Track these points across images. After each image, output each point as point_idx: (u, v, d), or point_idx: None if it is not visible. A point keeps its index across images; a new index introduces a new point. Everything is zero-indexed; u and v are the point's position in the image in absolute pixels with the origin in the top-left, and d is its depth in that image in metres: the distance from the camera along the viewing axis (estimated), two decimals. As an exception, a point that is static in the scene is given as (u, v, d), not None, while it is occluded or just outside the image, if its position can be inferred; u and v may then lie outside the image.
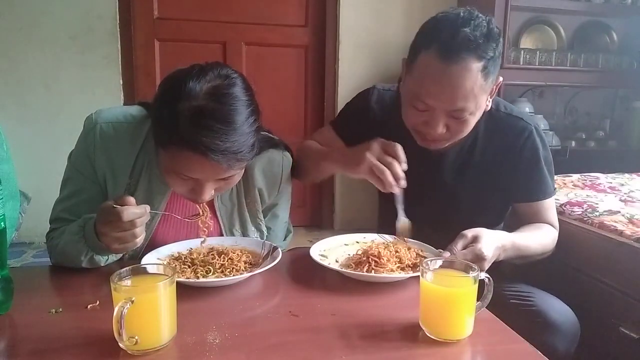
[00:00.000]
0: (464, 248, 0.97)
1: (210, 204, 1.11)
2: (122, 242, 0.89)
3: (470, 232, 0.99)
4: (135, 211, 0.86)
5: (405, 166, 1.02)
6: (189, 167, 0.91)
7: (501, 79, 1.10)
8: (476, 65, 0.98)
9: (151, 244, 1.07)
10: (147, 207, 0.89)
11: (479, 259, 0.95)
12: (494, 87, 1.09)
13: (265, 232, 1.19)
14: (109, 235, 0.89)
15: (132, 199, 0.88)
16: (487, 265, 0.98)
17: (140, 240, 0.90)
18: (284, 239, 1.28)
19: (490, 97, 1.11)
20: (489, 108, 1.13)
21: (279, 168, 1.16)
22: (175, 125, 0.87)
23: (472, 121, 1.07)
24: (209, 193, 0.97)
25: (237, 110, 0.90)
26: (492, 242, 1.00)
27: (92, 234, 0.92)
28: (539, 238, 1.16)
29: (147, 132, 1.05)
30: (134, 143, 1.04)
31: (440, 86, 1.00)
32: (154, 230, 1.09)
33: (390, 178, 1.00)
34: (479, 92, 1.01)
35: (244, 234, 1.16)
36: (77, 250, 0.95)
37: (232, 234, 1.15)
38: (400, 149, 1.02)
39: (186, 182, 0.95)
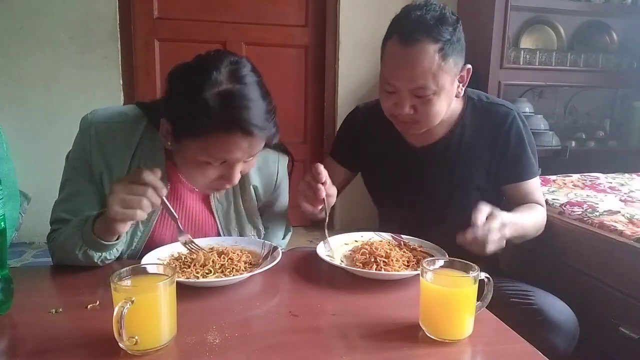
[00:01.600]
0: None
1: (207, 202, 1.14)
2: (124, 206, 0.87)
3: (484, 206, 1.00)
4: (155, 179, 0.88)
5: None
6: (228, 148, 0.93)
7: (469, 66, 1.17)
8: (432, 47, 1.07)
9: (149, 243, 1.08)
10: (164, 190, 0.90)
11: (503, 226, 0.99)
12: (464, 73, 1.17)
13: (262, 230, 1.20)
14: (118, 194, 0.87)
15: (158, 171, 0.90)
16: (504, 238, 1.00)
17: (140, 215, 0.88)
18: (283, 238, 1.29)
19: (463, 85, 1.18)
20: (461, 95, 1.20)
21: (275, 166, 1.19)
22: (208, 112, 0.90)
23: (438, 102, 1.12)
24: (238, 175, 1.00)
25: (256, 88, 0.96)
26: (505, 216, 1.02)
27: (89, 228, 0.93)
28: (532, 217, 1.21)
29: (142, 130, 1.06)
30: (130, 141, 1.05)
31: (400, 67, 1.10)
32: (152, 228, 1.09)
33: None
34: (437, 71, 1.08)
35: (241, 232, 1.17)
36: (73, 243, 0.96)
37: (229, 233, 1.16)
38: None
39: (216, 169, 0.98)
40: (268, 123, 0.96)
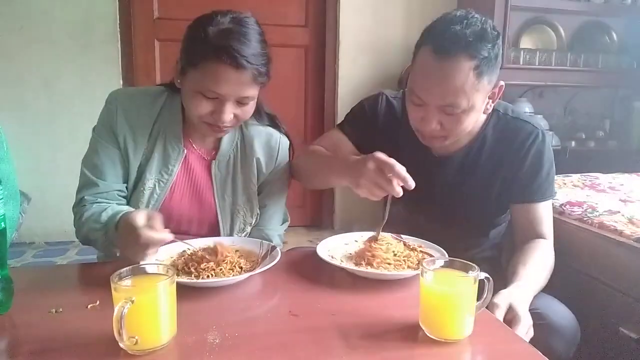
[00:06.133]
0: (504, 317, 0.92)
1: (208, 169, 1.22)
2: (130, 256, 0.93)
3: (502, 302, 0.92)
4: (153, 237, 0.90)
5: (410, 183, 0.95)
6: (218, 78, 1.03)
7: (502, 83, 1.11)
8: (468, 64, 1.01)
9: (161, 210, 1.16)
10: (169, 236, 0.92)
11: (530, 327, 0.92)
12: (496, 90, 1.11)
13: (256, 207, 1.26)
14: (122, 246, 0.98)
15: (159, 221, 0.92)
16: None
17: (149, 258, 0.93)
18: (281, 224, 1.32)
19: (492, 101, 1.13)
20: (489, 111, 1.16)
21: (277, 143, 1.27)
22: (207, 40, 1.03)
23: (466, 120, 1.08)
24: (228, 114, 1.07)
25: (256, 32, 1.08)
26: (525, 305, 0.96)
27: (113, 229, 1.02)
28: (547, 274, 1.14)
29: (163, 102, 1.19)
30: (151, 111, 1.17)
31: (431, 81, 1.05)
32: (164, 198, 1.18)
33: (381, 193, 0.98)
34: (470, 90, 1.03)
35: (234, 200, 1.23)
36: (96, 238, 1.08)
37: (223, 199, 1.23)
38: (399, 169, 0.95)
39: (209, 102, 1.06)
40: (259, 64, 1.05)
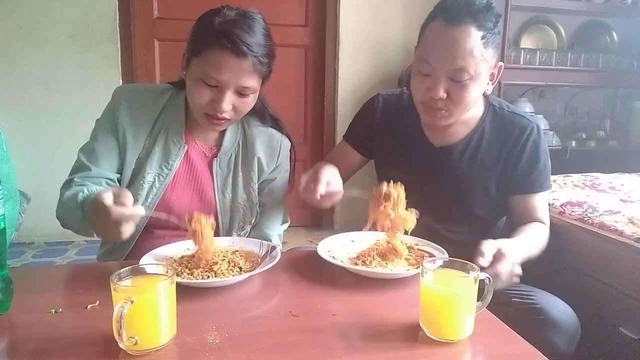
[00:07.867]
0: (492, 257, 0.94)
1: (209, 165, 1.23)
2: (108, 235, 0.95)
3: (487, 248, 0.95)
4: (124, 212, 0.89)
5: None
6: (218, 64, 1.05)
7: (501, 63, 1.17)
8: (476, 32, 1.07)
9: (160, 204, 1.18)
10: (141, 210, 0.93)
11: (513, 265, 0.95)
12: (495, 71, 1.16)
13: (256, 204, 1.28)
14: (97, 226, 0.98)
15: (129, 197, 0.91)
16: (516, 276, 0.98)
17: (126, 234, 0.92)
18: (280, 224, 1.34)
19: (492, 83, 1.18)
20: (489, 92, 1.20)
21: (278, 143, 1.29)
22: (211, 28, 1.05)
23: (472, 90, 1.11)
24: (227, 103, 1.09)
25: (261, 26, 1.10)
26: (513, 249, 0.98)
27: (89, 212, 1.00)
28: (539, 243, 1.19)
29: (167, 100, 1.21)
30: (155, 107, 1.20)
31: (442, 45, 1.09)
32: (163, 192, 1.19)
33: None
34: (478, 56, 1.08)
35: (234, 197, 1.25)
36: (74, 217, 1.07)
37: (224, 196, 1.24)
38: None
39: (209, 91, 1.08)
40: (261, 53, 1.07)
